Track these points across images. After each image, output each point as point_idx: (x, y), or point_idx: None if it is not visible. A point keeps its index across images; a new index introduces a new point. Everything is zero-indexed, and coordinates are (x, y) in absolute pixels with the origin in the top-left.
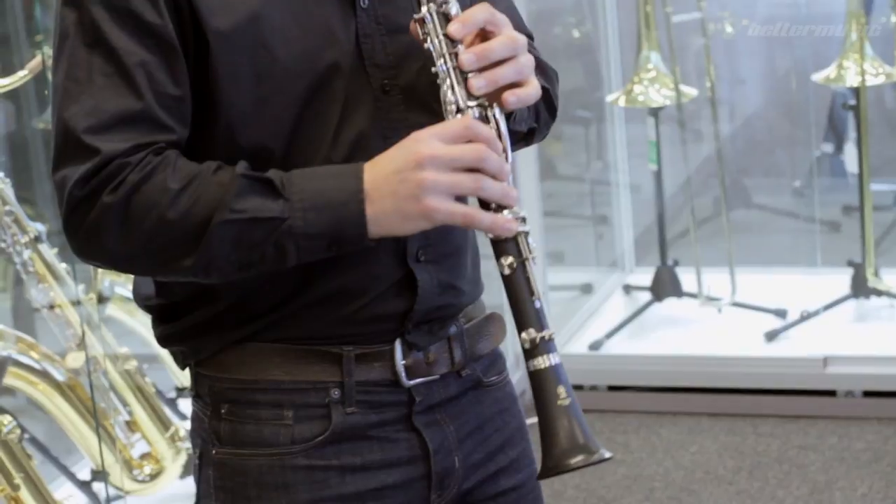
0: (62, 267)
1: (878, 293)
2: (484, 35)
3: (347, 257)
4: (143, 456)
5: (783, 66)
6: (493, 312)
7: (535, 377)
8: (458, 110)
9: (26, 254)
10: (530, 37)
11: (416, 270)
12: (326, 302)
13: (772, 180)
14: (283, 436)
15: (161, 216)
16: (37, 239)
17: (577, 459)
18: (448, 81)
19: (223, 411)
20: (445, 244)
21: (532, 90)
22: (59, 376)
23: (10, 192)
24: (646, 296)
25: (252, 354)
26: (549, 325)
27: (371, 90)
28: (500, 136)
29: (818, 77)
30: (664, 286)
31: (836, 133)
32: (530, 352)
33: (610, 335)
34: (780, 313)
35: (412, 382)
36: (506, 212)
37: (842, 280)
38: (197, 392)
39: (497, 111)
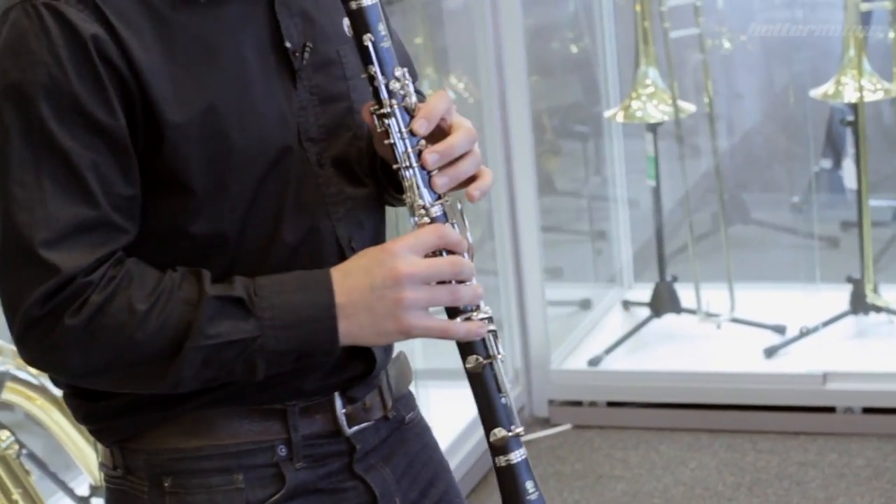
0: None
1: (878, 309)
2: (438, 124)
3: None
4: None
5: (781, 81)
6: (401, 352)
7: (504, 473)
8: (425, 212)
9: None
10: (415, 75)
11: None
12: (279, 377)
13: (770, 196)
14: (236, 500)
15: (129, 338)
16: None
17: None
18: (415, 184)
19: (167, 485)
20: None
21: (489, 179)
22: (57, 391)
23: None
24: (644, 311)
25: (193, 422)
26: (517, 422)
27: (310, 165)
28: (462, 232)
29: (816, 93)
30: (663, 302)
31: (834, 149)
32: (499, 449)
33: (609, 351)
34: (780, 329)
35: (352, 430)
36: (475, 314)
37: (841, 296)
38: (126, 468)
39: (458, 206)
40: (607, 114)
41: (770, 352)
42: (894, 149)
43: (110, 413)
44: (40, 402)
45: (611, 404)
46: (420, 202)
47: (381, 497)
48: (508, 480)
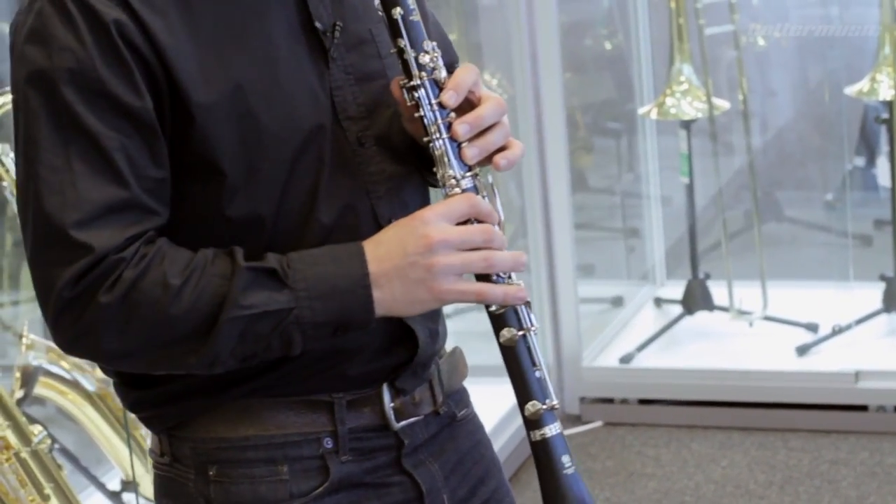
0: None
1: None
2: (466, 97)
3: None
4: None
5: (815, 78)
6: (456, 347)
7: (540, 447)
8: (456, 183)
9: None
10: (455, 58)
11: (411, 324)
12: (322, 360)
13: (804, 193)
14: (280, 492)
15: (164, 313)
16: None
17: None
18: (445, 155)
19: (211, 473)
20: None
21: (518, 150)
22: (89, 386)
23: None
24: (677, 309)
25: (239, 412)
26: (552, 395)
27: (348, 144)
28: (493, 204)
29: (851, 90)
30: (695, 299)
31: (868, 146)
32: (534, 423)
33: (641, 348)
34: (812, 327)
35: (401, 424)
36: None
37: (874, 294)
38: (173, 456)
39: (489, 178)
40: (641, 111)
41: (802, 350)
42: None
43: (158, 400)
44: (72, 397)
45: (642, 402)
46: (451, 173)
47: (427, 493)
48: (543, 455)
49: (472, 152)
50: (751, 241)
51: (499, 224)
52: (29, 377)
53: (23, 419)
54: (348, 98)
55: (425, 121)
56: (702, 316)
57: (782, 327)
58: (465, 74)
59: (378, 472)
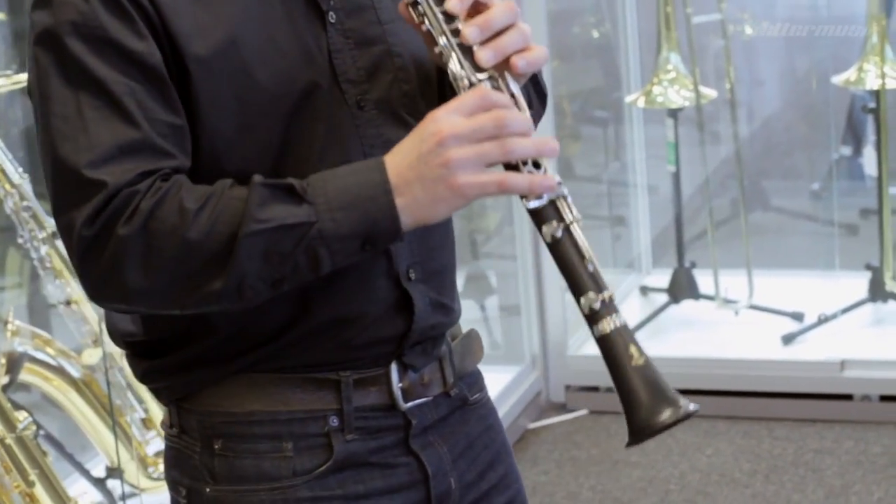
0: None
1: None
2: (477, 9)
3: (342, 283)
4: (159, 453)
5: (802, 67)
6: (472, 330)
7: (604, 342)
8: (470, 84)
9: (44, 249)
10: None
11: (409, 289)
12: (325, 329)
13: (790, 182)
14: (284, 468)
15: (183, 239)
16: (54, 235)
17: (666, 415)
18: (454, 57)
19: (216, 447)
20: (433, 262)
21: (540, 53)
22: (74, 373)
23: (28, 188)
24: (663, 297)
25: (245, 386)
26: (607, 286)
27: (347, 107)
28: (516, 102)
29: (838, 79)
30: (681, 288)
31: (854, 136)
32: (592, 317)
33: None
34: (798, 316)
35: (409, 405)
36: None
37: (859, 284)
38: (181, 428)
39: (509, 80)
40: (628, 99)
41: (788, 339)
42: None
43: (166, 371)
44: (57, 383)
45: None
46: (463, 73)
47: (433, 475)
48: (607, 350)
49: (486, 54)
50: (737, 230)
51: (521, 111)
52: (14, 363)
53: (8, 405)
54: (348, 61)
55: (432, 31)
56: (688, 304)
57: (768, 316)
58: None
59: (384, 452)
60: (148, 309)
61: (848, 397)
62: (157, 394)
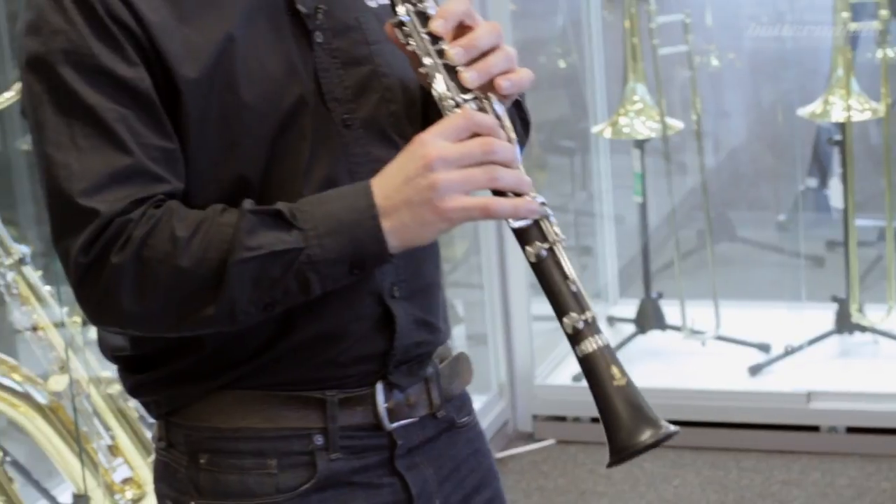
0: (46, 289)
1: (862, 329)
2: (462, 30)
3: (326, 300)
4: (125, 481)
5: (769, 99)
6: (461, 353)
7: (586, 362)
8: (456, 105)
9: (10, 276)
10: None
11: (392, 307)
12: (309, 346)
13: (756, 214)
14: (267, 485)
15: (175, 266)
16: (21, 261)
17: (646, 436)
18: (439, 77)
19: (202, 461)
20: (418, 279)
21: (525, 75)
22: (41, 399)
23: None
24: (629, 328)
25: (232, 402)
26: (590, 307)
27: (333, 125)
28: (501, 125)
29: (804, 112)
30: (648, 318)
31: (820, 168)
32: (575, 337)
33: None
34: (764, 347)
35: (394, 425)
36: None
37: (826, 315)
38: (169, 442)
39: (494, 102)
40: (595, 129)
41: (755, 370)
42: (880, 169)
43: (154, 385)
44: (24, 410)
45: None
46: (448, 94)
47: (417, 497)
48: (589, 370)
49: (470, 75)
50: (703, 261)
51: (508, 139)
52: None
53: None
54: (334, 80)
55: (417, 51)
56: (654, 335)
57: (735, 347)
58: (454, 4)
59: (368, 472)
60: (144, 332)
61: (815, 429)
62: (147, 407)
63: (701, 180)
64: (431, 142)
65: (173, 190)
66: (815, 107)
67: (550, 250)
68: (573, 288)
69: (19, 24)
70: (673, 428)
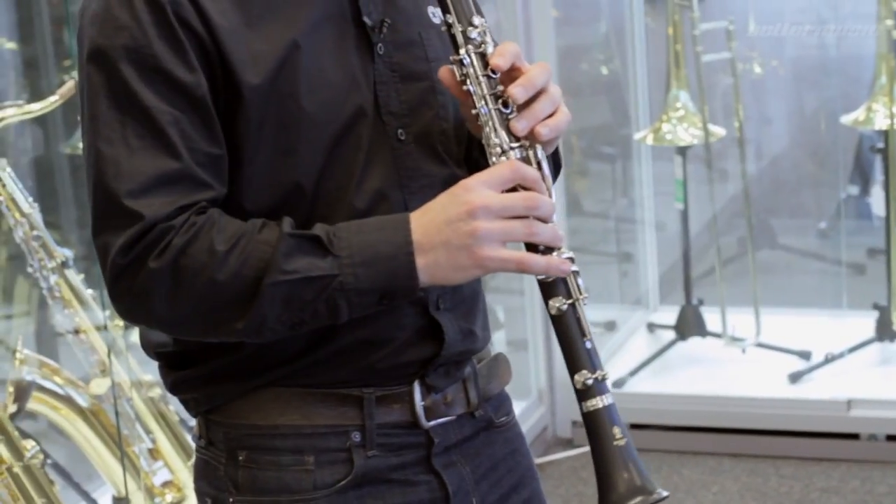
0: (88, 293)
1: None
2: (512, 71)
3: None
4: (165, 484)
5: (811, 107)
6: (500, 353)
7: (591, 418)
8: (502, 152)
9: (53, 279)
10: None
11: (439, 318)
12: (350, 351)
13: (798, 221)
14: (304, 482)
15: (210, 278)
16: (63, 264)
17: (636, 501)
18: (491, 124)
19: (241, 458)
20: (461, 291)
21: (563, 117)
22: (82, 402)
23: (38, 217)
24: (670, 334)
25: (270, 400)
26: (602, 366)
27: (387, 138)
28: (542, 176)
29: (847, 119)
30: (688, 325)
31: (862, 175)
32: (584, 393)
33: (633, 373)
34: (805, 355)
35: (431, 423)
36: (555, 252)
37: (866, 323)
38: (209, 440)
39: (539, 150)
40: (637, 136)
41: (795, 377)
42: None
43: (194, 382)
44: (65, 412)
45: (634, 426)
46: (496, 141)
47: (454, 494)
48: (593, 426)
49: (520, 124)
50: (744, 268)
51: (549, 195)
52: (22, 392)
53: (15, 434)
54: (391, 94)
55: (472, 93)
56: (695, 342)
57: (775, 354)
58: (510, 44)
59: (405, 470)
60: (170, 335)
61: (854, 436)
62: (186, 405)
63: (743, 187)
64: (477, 189)
65: (217, 196)
66: (859, 114)
67: (573, 306)
68: (588, 346)
69: (82, 8)
70: (664, 493)
